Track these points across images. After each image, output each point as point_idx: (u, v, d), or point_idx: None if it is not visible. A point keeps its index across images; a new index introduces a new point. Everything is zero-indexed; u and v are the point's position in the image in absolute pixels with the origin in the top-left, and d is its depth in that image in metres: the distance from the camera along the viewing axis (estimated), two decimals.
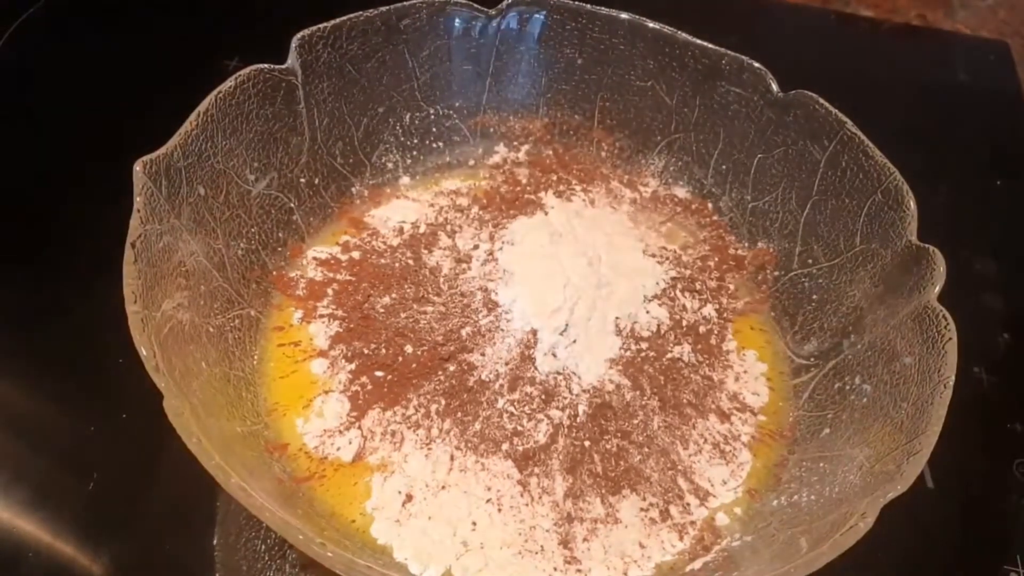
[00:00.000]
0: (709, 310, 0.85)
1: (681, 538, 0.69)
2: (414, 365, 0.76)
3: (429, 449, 0.72)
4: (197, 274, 0.72)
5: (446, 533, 0.67)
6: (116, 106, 1.07)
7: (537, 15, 0.92)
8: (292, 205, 0.85)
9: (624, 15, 0.90)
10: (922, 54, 1.34)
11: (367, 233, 0.89)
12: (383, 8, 0.87)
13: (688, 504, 0.72)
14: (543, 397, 0.75)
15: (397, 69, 0.91)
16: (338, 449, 0.72)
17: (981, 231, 1.06)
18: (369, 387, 0.75)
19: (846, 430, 0.71)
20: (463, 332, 0.78)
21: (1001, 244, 1.04)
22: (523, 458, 0.71)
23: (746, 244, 0.90)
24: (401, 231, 0.89)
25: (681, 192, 0.95)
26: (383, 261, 0.85)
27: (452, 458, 0.71)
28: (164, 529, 0.74)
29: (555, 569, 0.66)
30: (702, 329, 0.83)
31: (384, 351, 0.77)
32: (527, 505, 0.69)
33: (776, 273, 0.87)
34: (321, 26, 0.83)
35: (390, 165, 0.95)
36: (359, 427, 0.73)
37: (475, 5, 0.90)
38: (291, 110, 0.83)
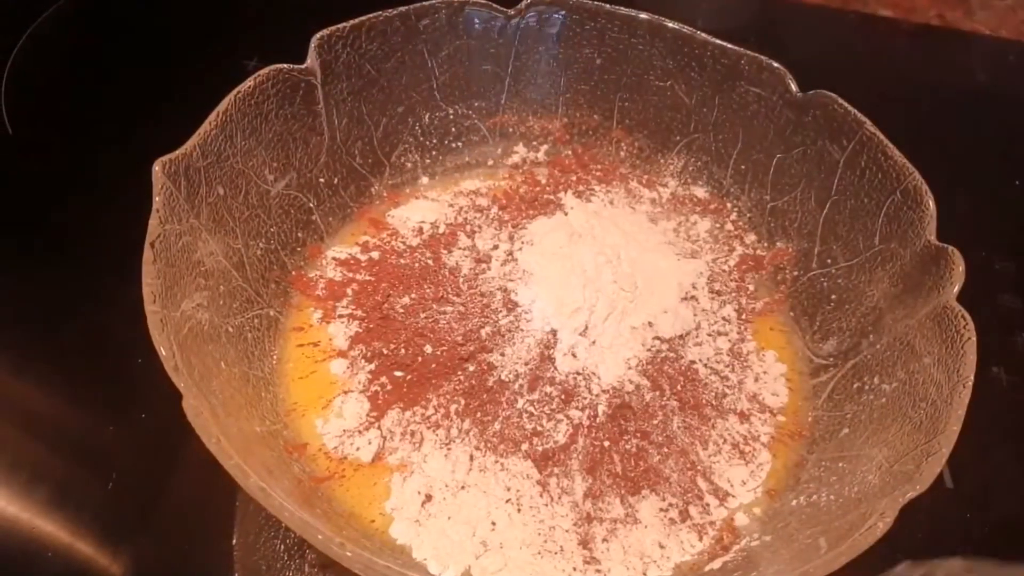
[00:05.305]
0: (729, 310, 0.85)
1: (700, 538, 0.69)
2: (433, 365, 0.76)
3: (448, 449, 0.72)
4: (216, 274, 0.72)
5: (465, 533, 0.67)
6: (135, 106, 1.07)
7: (556, 15, 0.92)
8: (311, 205, 0.86)
9: (643, 15, 0.90)
10: (941, 54, 1.34)
11: (386, 233, 0.89)
12: (402, 8, 0.87)
13: (707, 504, 0.71)
14: (563, 397, 0.75)
15: (416, 69, 0.91)
16: (357, 449, 0.72)
17: (999, 231, 1.05)
18: (388, 387, 0.76)
19: (865, 430, 0.71)
20: (483, 332, 0.78)
21: (1020, 244, 1.04)
22: (542, 458, 0.71)
23: (765, 244, 0.90)
24: (420, 231, 0.89)
25: (700, 192, 0.95)
26: (402, 261, 0.85)
27: (471, 458, 0.71)
28: (183, 529, 0.74)
29: (574, 569, 0.66)
30: (722, 330, 0.83)
31: (403, 351, 0.77)
32: (546, 505, 0.69)
33: (795, 273, 0.87)
34: (340, 26, 0.83)
35: (409, 165, 0.95)
36: (378, 427, 0.73)
37: (494, 5, 0.90)
38: (310, 110, 0.83)
